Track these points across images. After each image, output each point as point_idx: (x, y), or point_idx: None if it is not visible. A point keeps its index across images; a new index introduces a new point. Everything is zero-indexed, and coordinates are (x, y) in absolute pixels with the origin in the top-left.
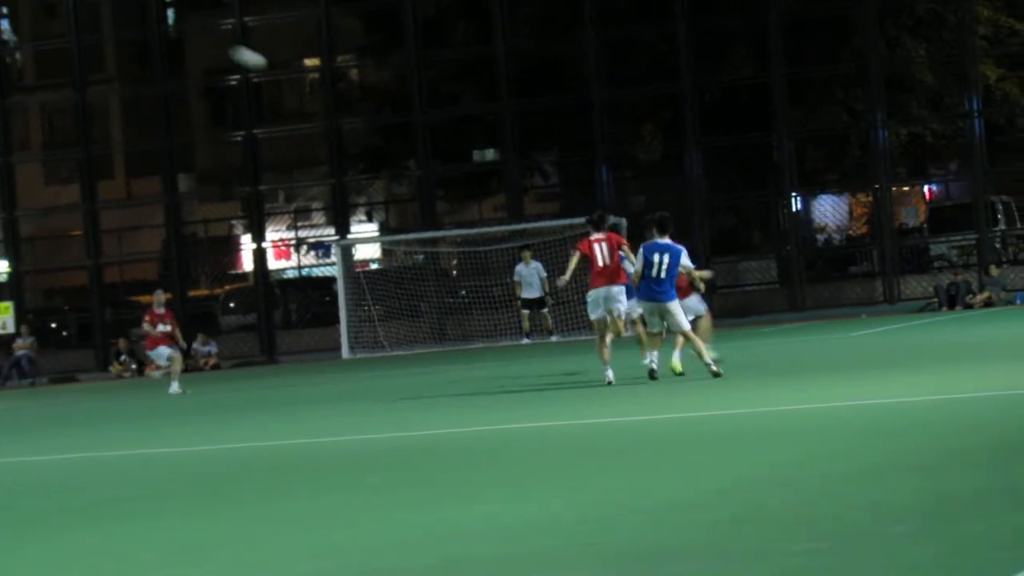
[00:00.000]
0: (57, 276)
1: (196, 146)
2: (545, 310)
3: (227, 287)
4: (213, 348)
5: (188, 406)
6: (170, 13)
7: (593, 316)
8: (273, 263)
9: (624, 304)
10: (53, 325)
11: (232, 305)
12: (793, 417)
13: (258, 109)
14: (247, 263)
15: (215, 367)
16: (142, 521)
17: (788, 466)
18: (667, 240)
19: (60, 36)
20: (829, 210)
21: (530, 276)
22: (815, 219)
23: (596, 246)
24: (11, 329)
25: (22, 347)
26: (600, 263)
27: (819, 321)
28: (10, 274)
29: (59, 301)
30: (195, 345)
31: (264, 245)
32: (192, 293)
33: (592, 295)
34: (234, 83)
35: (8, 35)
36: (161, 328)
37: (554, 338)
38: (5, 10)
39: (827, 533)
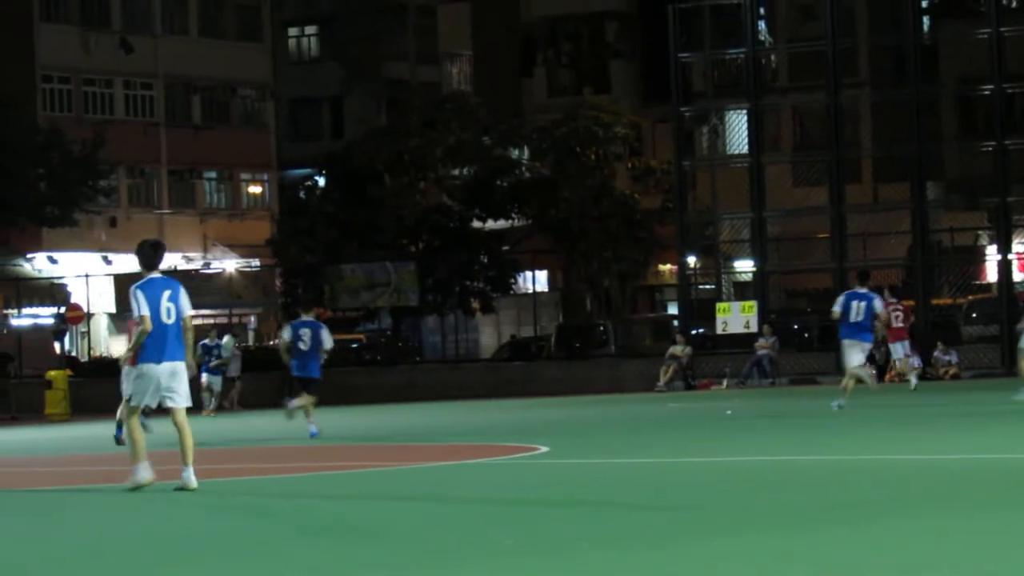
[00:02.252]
0: (800, 278)
1: (945, 154)
2: None
3: (970, 297)
4: (954, 358)
5: (921, 414)
6: (925, 20)
7: None
8: (1019, 275)
9: None
10: (795, 327)
11: (975, 315)
12: None
13: (1010, 120)
14: (991, 274)
15: (955, 377)
16: (878, 525)
17: None
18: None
19: (815, 39)
20: None
21: None
22: None
23: None
24: (754, 328)
25: (764, 347)
26: None
27: None
28: (755, 273)
29: (802, 303)
30: (936, 353)
31: (1010, 257)
32: (935, 301)
33: None
34: (986, 93)
35: (765, 36)
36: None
37: None
38: (763, 11)
39: None
